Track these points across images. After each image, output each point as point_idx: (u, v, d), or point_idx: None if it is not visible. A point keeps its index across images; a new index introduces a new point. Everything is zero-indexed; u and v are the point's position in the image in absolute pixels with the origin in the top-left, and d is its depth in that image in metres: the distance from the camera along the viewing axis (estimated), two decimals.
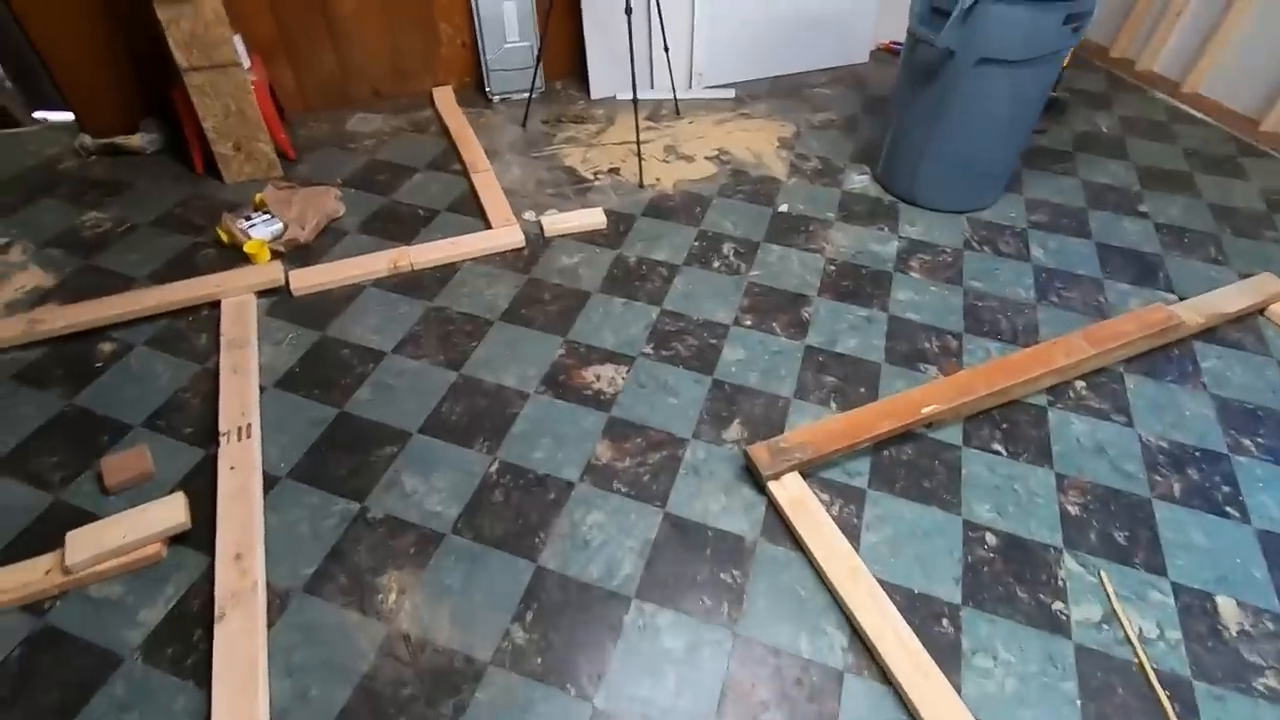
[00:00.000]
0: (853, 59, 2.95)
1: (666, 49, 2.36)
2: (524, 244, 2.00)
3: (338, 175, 2.26)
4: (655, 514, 1.39)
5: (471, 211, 2.13)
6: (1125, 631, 1.24)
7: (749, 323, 1.80)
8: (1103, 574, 1.32)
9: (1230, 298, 1.84)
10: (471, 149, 2.32)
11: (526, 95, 2.56)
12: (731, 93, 2.69)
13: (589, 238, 2.05)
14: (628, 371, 1.66)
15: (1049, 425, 1.58)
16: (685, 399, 1.60)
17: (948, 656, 1.19)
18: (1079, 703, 1.15)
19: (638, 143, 2.27)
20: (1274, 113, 2.53)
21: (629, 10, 2.00)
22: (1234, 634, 1.24)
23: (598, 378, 1.65)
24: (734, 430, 1.55)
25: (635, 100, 2.19)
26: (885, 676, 1.16)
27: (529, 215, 2.12)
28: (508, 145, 2.43)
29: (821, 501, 1.39)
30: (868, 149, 2.47)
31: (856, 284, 1.93)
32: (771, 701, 1.14)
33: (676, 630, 1.22)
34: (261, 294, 1.82)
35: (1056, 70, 1.96)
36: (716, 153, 2.42)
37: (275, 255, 1.93)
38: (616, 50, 2.52)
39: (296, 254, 1.96)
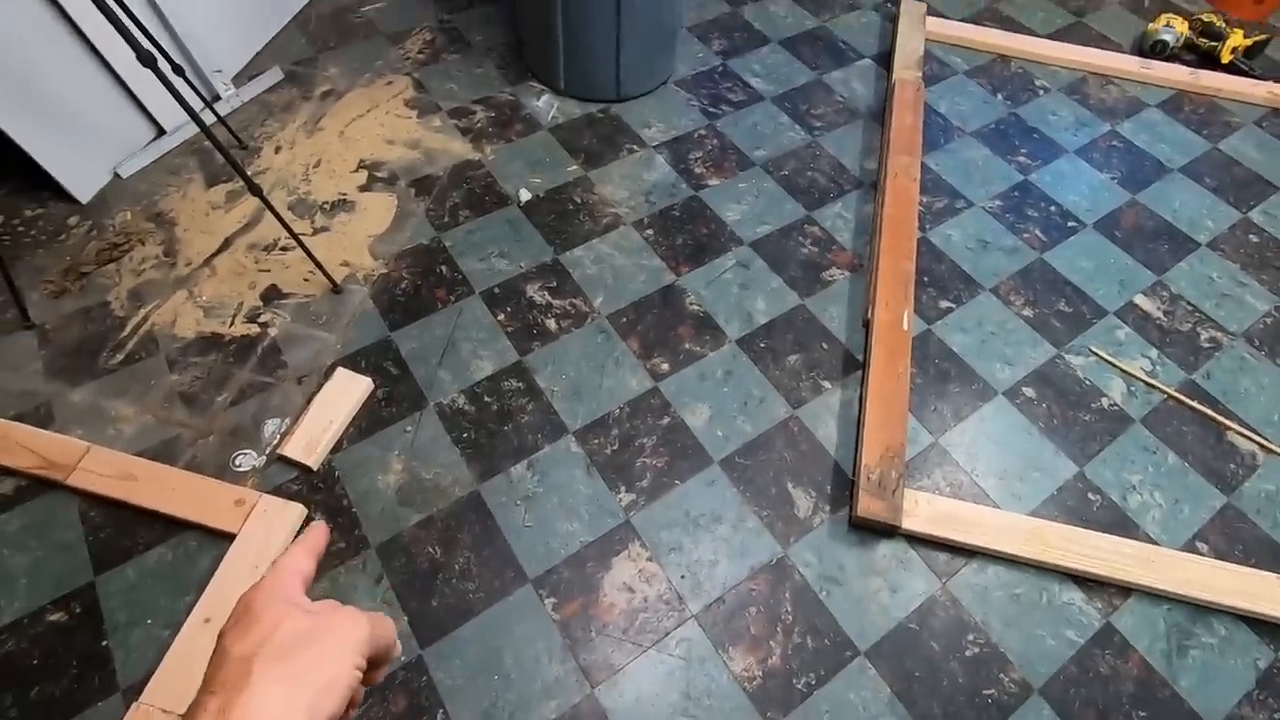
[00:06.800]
0: None
1: (179, 69, 1.34)
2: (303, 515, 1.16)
3: None
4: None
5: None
6: (1141, 380, 1.41)
7: (665, 368, 1.38)
8: (1091, 349, 1.45)
9: (912, 40, 1.94)
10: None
11: None
12: (279, 73, 1.75)
13: (372, 420, 1.27)
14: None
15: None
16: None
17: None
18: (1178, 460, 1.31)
19: (272, 212, 1.38)
20: None
21: (150, 61, 1.01)
22: (1163, 318, 1.50)
23: None
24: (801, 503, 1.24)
25: (236, 165, 1.26)
26: None
27: (244, 462, 1.21)
28: (64, 398, 1.28)
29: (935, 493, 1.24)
30: (508, 56, 1.89)
31: (689, 234, 1.57)
32: None
33: None
34: None
35: None
36: (365, 171, 1.61)
37: None
38: (61, 106, 1.38)
39: None
